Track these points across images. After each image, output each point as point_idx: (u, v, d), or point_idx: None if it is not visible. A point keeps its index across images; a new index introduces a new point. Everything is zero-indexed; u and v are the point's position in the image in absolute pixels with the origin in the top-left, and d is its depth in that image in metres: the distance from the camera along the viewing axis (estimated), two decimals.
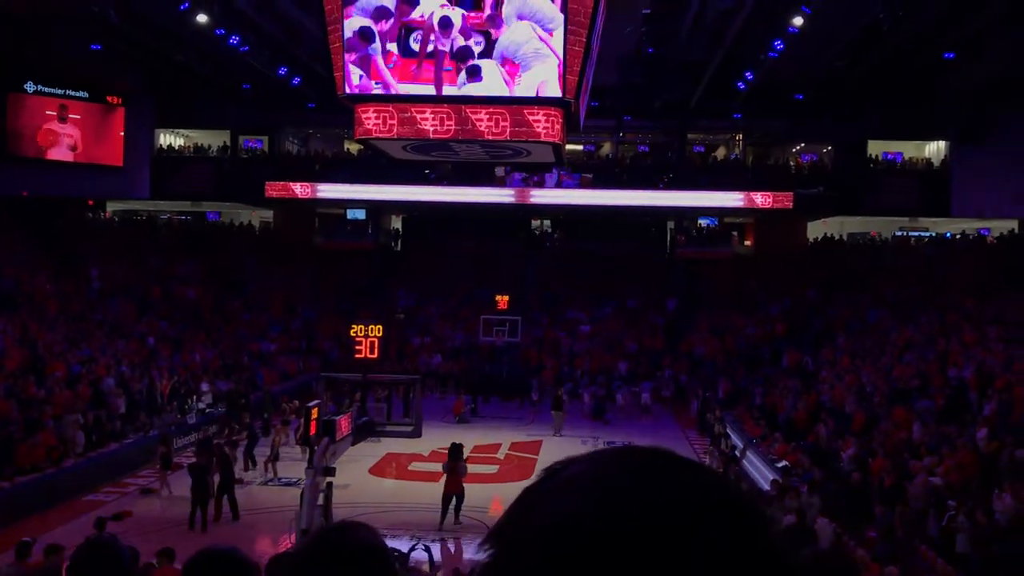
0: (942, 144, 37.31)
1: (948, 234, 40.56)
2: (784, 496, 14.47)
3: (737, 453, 21.23)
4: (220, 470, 16.61)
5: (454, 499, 16.50)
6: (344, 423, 13.48)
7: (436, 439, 22.75)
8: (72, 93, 34.69)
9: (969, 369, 19.68)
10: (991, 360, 19.85)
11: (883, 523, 13.72)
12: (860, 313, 31.54)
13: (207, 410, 24.44)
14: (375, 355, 15.24)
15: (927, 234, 41.16)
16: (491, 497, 18.28)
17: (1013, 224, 36.96)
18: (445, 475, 16.75)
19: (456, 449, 16.75)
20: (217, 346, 30.10)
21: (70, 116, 34.76)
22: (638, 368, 32.36)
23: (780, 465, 18.64)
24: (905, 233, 41.17)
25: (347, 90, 16.15)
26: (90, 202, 41.88)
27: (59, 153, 34.67)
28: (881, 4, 24.00)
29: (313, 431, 12.86)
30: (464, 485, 16.61)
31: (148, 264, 34.98)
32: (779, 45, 26.27)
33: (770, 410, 24.31)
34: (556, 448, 24.03)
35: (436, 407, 27.99)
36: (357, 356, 15.30)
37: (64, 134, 34.64)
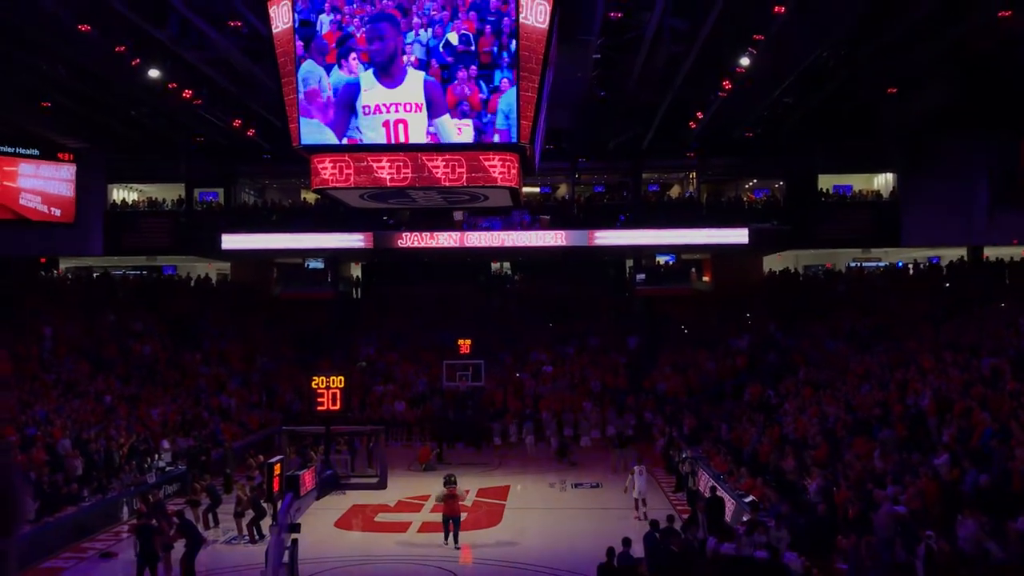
0: (890, 176, 38.23)
1: (900, 263, 41.38)
2: (753, 531, 14.47)
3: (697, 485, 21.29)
4: (184, 537, 16.17)
5: (451, 522, 18.25)
6: (308, 478, 13.27)
7: (403, 488, 22.52)
8: (22, 151, 34.32)
9: (927, 396, 19.94)
10: (948, 386, 20.15)
11: (852, 554, 13.76)
12: (819, 344, 31.91)
13: (167, 468, 23.92)
14: (337, 407, 15.06)
15: (880, 264, 41.95)
16: (460, 544, 18.05)
17: (962, 252, 37.83)
18: (443, 503, 18.41)
19: (449, 479, 18.79)
20: (176, 402, 29.57)
21: (20, 174, 34.33)
22: (601, 407, 32.34)
23: (748, 500, 18.68)
24: (859, 264, 41.93)
25: (302, 141, 16.21)
26: (42, 260, 41.24)
27: (8, 212, 34.17)
28: (824, 44, 24.69)
29: (276, 487, 12.63)
30: (458, 508, 18.58)
31: (103, 321, 34.39)
32: (727, 85, 26.83)
33: (735, 444, 24.41)
34: (523, 493, 23.88)
35: (402, 455, 27.73)
36: (319, 408, 15.10)
37: (11, 193, 34.18)
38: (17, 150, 34.13)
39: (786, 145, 36.75)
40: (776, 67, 26.31)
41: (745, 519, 16.39)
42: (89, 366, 30.13)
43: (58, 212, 35.55)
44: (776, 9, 21.04)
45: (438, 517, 18.80)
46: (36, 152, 34.74)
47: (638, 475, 20.54)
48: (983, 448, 16.00)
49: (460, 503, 18.80)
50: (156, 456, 24.20)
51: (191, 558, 15.95)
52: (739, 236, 35.88)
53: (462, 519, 18.66)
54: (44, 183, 35.04)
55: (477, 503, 22.23)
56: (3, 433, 21.44)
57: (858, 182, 39.58)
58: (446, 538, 18.13)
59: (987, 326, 25.20)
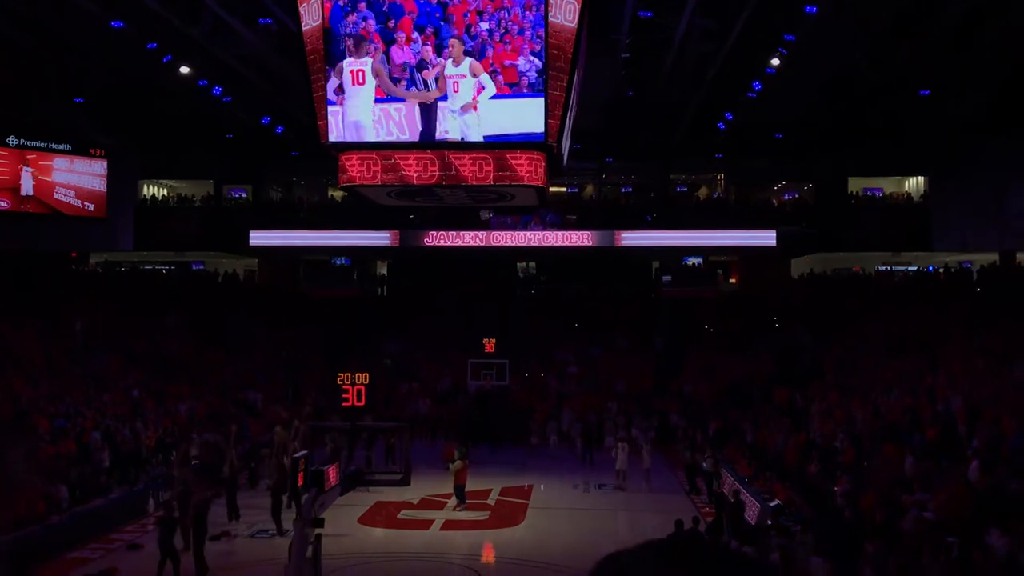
0: (921, 179, 37.79)
1: (931, 268, 40.90)
2: (768, 534, 14.36)
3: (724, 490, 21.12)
4: (193, 526, 16.25)
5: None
6: (332, 473, 13.31)
7: (426, 486, 22.52)
8: (55, 146, 34.64)
9: (957, 402, 19.67)
10: (979, 392, 19.86)
11: (876, 561, 13.61)
12: (847, 348, 31.58)
13: (194, 462, 24.06)
14: (362, 403, 15.12)
15: (910, 268, 41.49)
16: (481, 543, 18.05)
17: (994, 256, 37.30)
18: (454, 472, 20.86)
19: (460, 452, 21.39)
20: (203, 397, 29.82)
21: (55, 168, 34.73)
22: (627, 409, 32.21)
23: (773, 504, 18.52)
24: (888, 268, 41.48)
25: (331, 137, 16.27)
26: (73, 254, 41.72)
27: (41, 206, 34.57)
28: (856, 45, 24.45)
29: (300, 482, 12.69)
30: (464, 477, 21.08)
31: (132, 315, 34.75)
32: (757, 86, 26.66)
33: (760, 448, 24.22)
34: (547, 493, 23.83)
35: (425, 453, 27.73)
36: (344, 404, 15.17)
37: (47, 187, 34.58)
38: (49, 145, 34.47)
39: (816, 147, 36.44)
40: (807, 68, 26.09)
41: (769, 523, 16.28)
42: (118, 360, 30.46)
43: (91, 207, 35.88)
44: (808, 9, 20.87)
45: (461, 516, 19.98)
46: (68, 147, 35.06)
47: (621, 451, 23.77)
48: (1013, 455, 15.75)
49: (466, 473, 21.20)
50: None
51: (198, 549, 16.01)
52: (767, 239, 35.67)
53: (484, 518, 18.80)
54: (78, 178, 35.37)
55: (500, 502, 22.19)
56: (34, 423, 21.74)
57: (889, 185, 39.19)
58: (460, 501, 20.80)
59: (1019, 332, 24.82)
